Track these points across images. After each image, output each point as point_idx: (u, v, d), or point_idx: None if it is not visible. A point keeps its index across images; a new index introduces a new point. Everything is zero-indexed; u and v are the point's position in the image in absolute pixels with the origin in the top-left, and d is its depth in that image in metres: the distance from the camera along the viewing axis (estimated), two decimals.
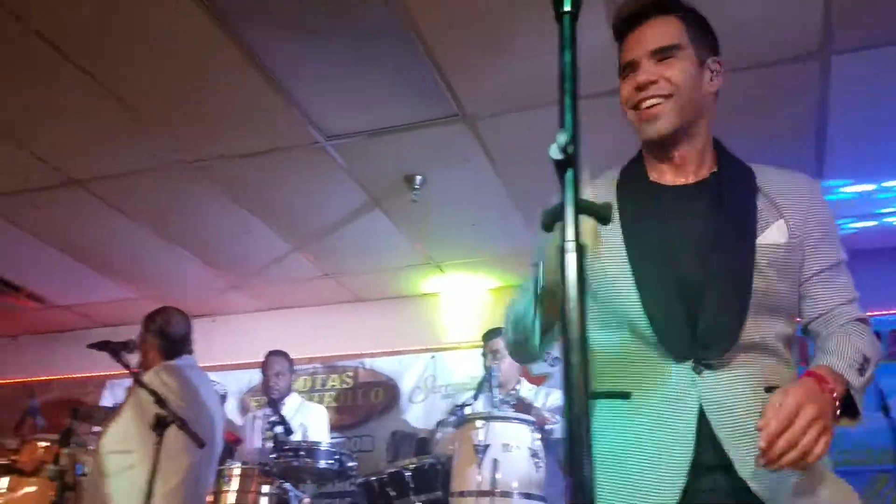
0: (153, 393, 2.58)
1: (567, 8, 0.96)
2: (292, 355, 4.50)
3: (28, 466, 3.48)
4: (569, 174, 0.93)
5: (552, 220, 0.94)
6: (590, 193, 0.95)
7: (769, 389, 1.28)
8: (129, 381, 4.57)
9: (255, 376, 4.91)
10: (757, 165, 1.46)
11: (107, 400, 5.37)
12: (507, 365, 3.54)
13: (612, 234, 1.37)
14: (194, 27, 2.86)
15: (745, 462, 1.23)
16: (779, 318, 1.35)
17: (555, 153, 0.91)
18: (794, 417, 1.14)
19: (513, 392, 3.60)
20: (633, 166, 1.50)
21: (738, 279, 1.33)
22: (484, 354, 3.70)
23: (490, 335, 3.71)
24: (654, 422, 1.29)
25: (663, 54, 1.38)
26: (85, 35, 2.95)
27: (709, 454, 1.26)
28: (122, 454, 2.70)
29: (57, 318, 5.96)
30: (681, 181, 1.43)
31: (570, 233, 0.90)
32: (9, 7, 2.80)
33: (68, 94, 3.30)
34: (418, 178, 3.84)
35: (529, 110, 3.32)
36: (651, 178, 1.46)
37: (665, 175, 1.44)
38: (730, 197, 1.39)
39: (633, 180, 1.47)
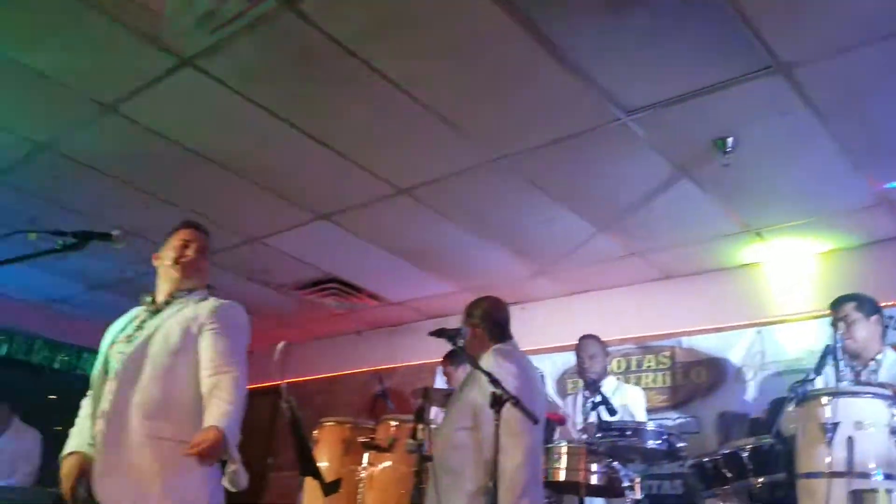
0: (488, 374, 2.77)
1: None
2: (604, 337, 4.51)
3: (384, 443, 3.95)
4: None
5: None
6: None
7: None
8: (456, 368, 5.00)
9: (570, 358, 5.01)
10: None
11: (439, 384, 5.87)
12: (863, 332, 3.17)
13: None
14: (493, 26, 3.00)
15: None
16: None
17: None
18: None
19: (872, 363, 3.21)
20: None
21: None
22: (833, 324, 3.34)
23: (838, 302, 3.35)
24: None
25: None
26: (404, 59, 3.28)
27: None
28: (466, 430, 2.93)
29: (393, 314, 6.70)
30: None
31: None
32: (345, 46, 3.21)
33: (394, 115, 3.70)
34: (729, 140, 3.59)
35: (855, 49, 2.94)
36: None
37: None
38: None
39: None
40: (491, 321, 3.18)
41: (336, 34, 3.15)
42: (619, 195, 4.30)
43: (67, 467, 2.48)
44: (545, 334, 5.66)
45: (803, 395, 2.93)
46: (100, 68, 3.51)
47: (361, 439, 3.89)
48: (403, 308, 6.52)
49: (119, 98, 3.73)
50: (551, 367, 5.65)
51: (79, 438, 2.53)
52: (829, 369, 3.25)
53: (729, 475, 3.24)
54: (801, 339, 4.64)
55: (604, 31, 2.97)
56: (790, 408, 3.02)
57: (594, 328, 4.55)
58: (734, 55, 3.05)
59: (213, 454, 2.30)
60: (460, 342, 2.98)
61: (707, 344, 5.06)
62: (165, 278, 2.73)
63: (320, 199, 4.71)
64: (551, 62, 3.18)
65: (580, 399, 4.42)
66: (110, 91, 3.69)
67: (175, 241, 2.78)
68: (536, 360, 4.86)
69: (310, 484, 3.56)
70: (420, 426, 2.74)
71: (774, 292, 4.89)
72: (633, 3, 2.81)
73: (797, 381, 3.05)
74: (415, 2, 2.93)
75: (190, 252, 2.75)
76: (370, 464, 3.87)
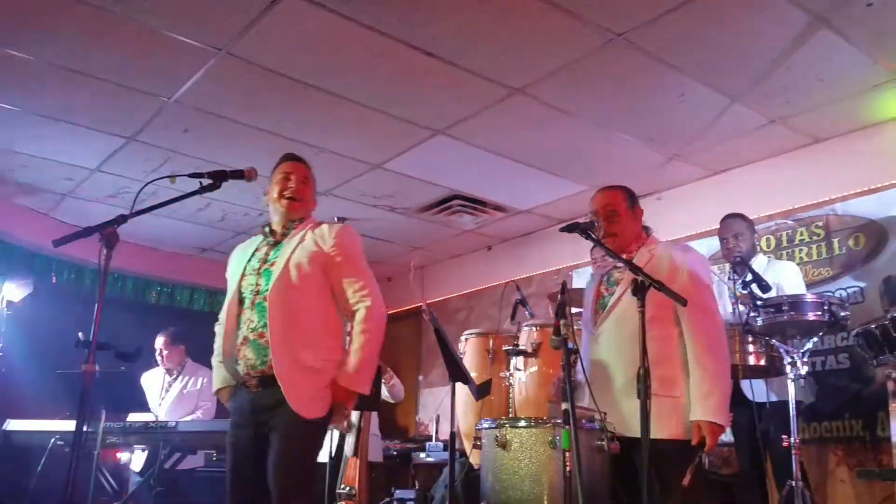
0: (630, 264, 2.70)
1: None
2: (750, 215, 4.25)
3: (529, 348, 3.97)
4: None
5: None
6: None
7: None
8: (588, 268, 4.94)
9: (714, 244, 4.77)
10: None
11: (577, 284, 5.80)
12: None
13: None
14: None
15: None
16: None
17: None
18: None
19: None
20: None
21: None
22: None
23: None
24: None
25: None
26: None
27: None
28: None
29: (521, 223, 6.65)
30: None
31: None
32: None
33: (498, 9, 3.54)
34: None
35: None
36: None
37: None
38: None
39: None
40: (635, 211, 3.07)
41: None
42: (752, 58, 3.93)
43: (226, 397, 2.81)
44: (684, 223, 5.45)
45: None
46: (206, 10, 3.59)
47: (506, 347, 3.96)
48: (531, 216, 6.45)
49: (229, 39, 3.82)
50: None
51: (221, 375, 2.79)
52: None
53: None
54: None
55: None
56: None
57: (737, 207, 4.29)
58: None
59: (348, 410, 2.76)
60: (595, 235, 2.90)
61: (864, 208, 4.65)
62: (276, 212, 2.87)
63: (434, 114, 4.66)
64: None
65: (727, 284, 4.21)
66: (219, 35, 3.78)
67: (277, 176, 2.90)
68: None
69: (461, 391, 3.67)
70: (562, 322, 2.70)
71: None
72: None
73: None
74: None
75: (292, 184, 2.85)
76: (517, 369, 3.93)
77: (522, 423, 2.90)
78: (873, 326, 3.28)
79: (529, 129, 4.82)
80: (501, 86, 4.27)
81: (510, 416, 3.75)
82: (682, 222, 5.45)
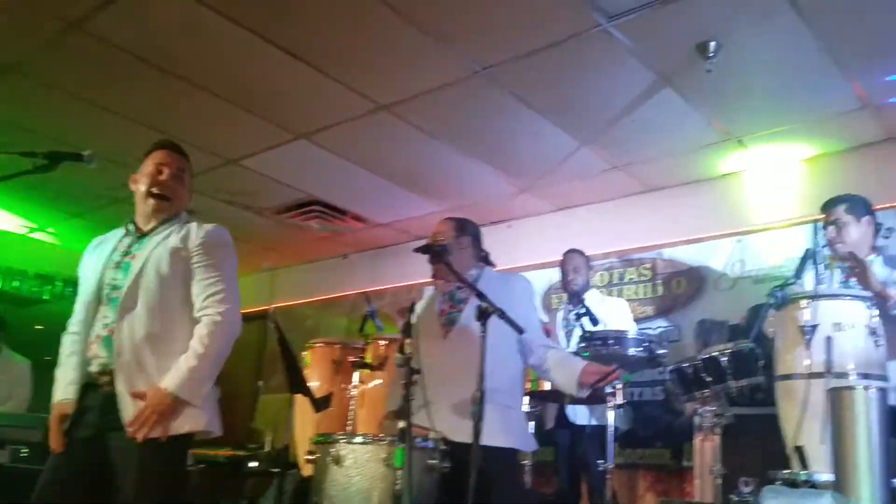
0: (474, 288, 2.80)
1: None
2: (587, 252, 4.55)
3: (374, 361, 4.00)
4: None
5: None
6: None
7: None
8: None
9: (555, 275, 5.05)
10: None
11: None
12: (854, 235, 3.15)
13: None
14: None
15: None
16: None
17: None
18: None
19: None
20: None
21: None
22: (824, 227, 3.29)
23: (829, 205, 3.26)
24: None
25: None
26: None
27: None
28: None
29: (378, 236, 6.69)
30: None
31: None
32: None
33: (372, 27, 3.59)
34: (712, 44, 3.52)
35: None
36: None
37: None
38: None
39: None
40: (475, 240, 3.15)
41: None
42: (602, 107, 4.24)
43: (54, 419, 2.42)
44: (532, 251, 5.70)
45: (782, 298, 2.95)
46: None
47: (351, 359, 3.94)
48: (389, 229, 6.51)
49: (83, 16, 3.59)
50: (537, 283, 5.70)
51: (63, 383, 2.46)
52: (809, 273, 3.29)
53: (708, 379, 3.29)
54: (782, 247, 4.70)
55: None
56: (769, 312, 3.05)
57: (578, 243, 4.58)
58: None
59: (162, 420, 2.30)
60: (447, 259, 2.97)
61: (687, 255, 5.13)
62: (143, 204, 2.57)
63: (298, 118, 4.61)
64: None
65: (563, 313, 4.49)
66: (75, 8, 3.55)
67: (149, 166, 2.58)
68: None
69: (300, 402, 3.64)
70: (407, 340, 2.76)
71: (755, 201, 4.91)
72: None
73: (777, 286, 3.08)
74: None
75: (164, 177, 2.55)
76: (361, 382, 3.94)
77: (358, 440, 2.91)
78: (686, 365, 3.53)
79: (392, 145, 4.89)
80: (368, 100, 4.31)
81: (348, 430, 3.75)
82: (529, 251, 5.71)
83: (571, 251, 4.47)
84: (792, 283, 3.17)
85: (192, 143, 4.90)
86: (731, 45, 3.55)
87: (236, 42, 3.76)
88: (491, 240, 3.23)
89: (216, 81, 4.21)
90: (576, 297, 4.21)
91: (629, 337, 3.74)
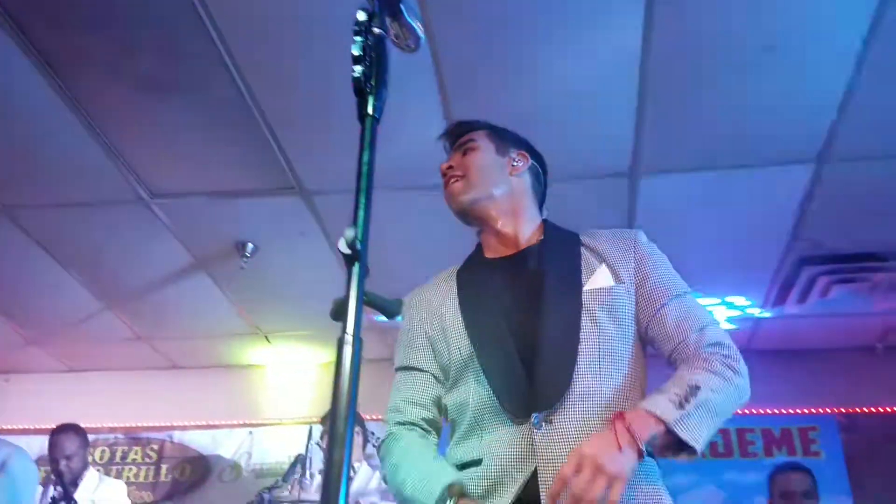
0: None
1: (370, 112, 1.01)
2: (92, 423, 4.15)
3: None
4: (355, 268, 0.95)
5: (338, 313, 0.97)
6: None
7: None
8: None
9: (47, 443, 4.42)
10: (587, 231, 1.57)
11: None
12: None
13: (453, 313, 1.49)
14: (13, 68, 2.68)
15: None
16: (617, 368, 1.37)
17: (343, 247, 0.93)
18: (578, 471, 1.15)
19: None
20: (475, 251, 1.63)
21: (567, 327, 1.38)
22: (322, 436, 3.48)
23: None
24: (496, 487, 1.31)
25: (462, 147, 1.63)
26: None
27: None
28: None
29: None
30: (510, 251, 1.55)
31: (350, 326, 0.92)
32: None
33: None
34: (250, 245, 3.75)
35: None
36: (486, 256, 1.58)
37: (494, 249, 1.57)
38: (555, 256, 1.50)
39: (471, 262, 1.60)
40: None
41: None
42: (133, 275, 4.09)
43: None
44: (30, 412, 5.00)
45: (269, 501, 3.03)
46: None
47: None
48: None
49: None
50: (31, 449, 4.88)
51: None
52: (297, 478, 3.46)
53: None
54: (288, 444, 4.88)
55: (139, 108, 2.87)
56: None
57: (84, 410, 4.20)
58: (265, 169, 3.21)
59: None
60: None
61: (198, 440, 4.99)
62: None
63: None
64: (76, 122, 2.95)
65: (48, 496, 3.82)
66: None
67: None
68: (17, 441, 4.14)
69: None
70: None
71: (272, 394, 5.11)
72: (169, 89, 2.78)
73: (265, 487, 3.17)
74: None
75: None
76: None
77: None
78: None
79: None
80: None
81: None
82: (27, 411, 5.01)
83: (64, 430, 3.76)
84: (280, 486, 3.29)
85: None
86: (266, 251, 3.80)
87: None
88: None
89: None
90: (65, 488, 3.56)
91: None
